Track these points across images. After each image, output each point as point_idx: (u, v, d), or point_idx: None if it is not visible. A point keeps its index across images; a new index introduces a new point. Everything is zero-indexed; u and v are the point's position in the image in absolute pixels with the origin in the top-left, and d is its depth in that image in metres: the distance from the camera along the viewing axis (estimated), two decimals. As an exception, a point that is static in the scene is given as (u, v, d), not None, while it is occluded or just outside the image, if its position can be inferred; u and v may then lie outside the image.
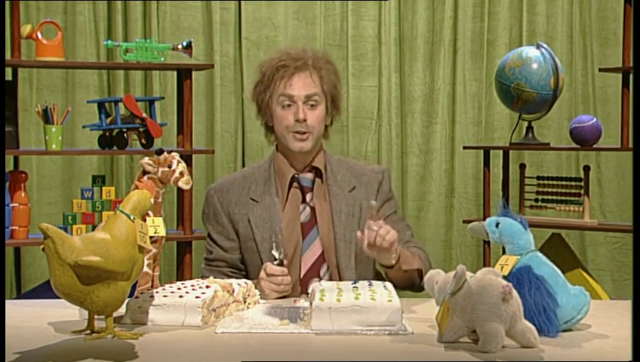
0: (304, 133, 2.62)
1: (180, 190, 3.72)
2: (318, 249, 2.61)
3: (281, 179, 2.67)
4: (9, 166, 4.07)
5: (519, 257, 2.04)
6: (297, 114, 2.61)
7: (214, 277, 2.63)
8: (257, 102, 2.69)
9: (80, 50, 4.55)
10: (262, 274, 2.47)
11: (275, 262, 2.46)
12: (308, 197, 2.65)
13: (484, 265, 4.25)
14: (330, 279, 2.59)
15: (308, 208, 2.64)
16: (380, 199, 2.67)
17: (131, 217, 1.92)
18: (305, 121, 2.61)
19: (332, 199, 2.64)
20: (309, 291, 2.17)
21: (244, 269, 2.68)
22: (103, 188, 3.87)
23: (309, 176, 2.67)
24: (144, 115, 3.89)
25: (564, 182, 4.14)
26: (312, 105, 2.63)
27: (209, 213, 2.71)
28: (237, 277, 2.62)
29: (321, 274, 2.60)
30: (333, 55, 3.96)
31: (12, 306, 2.27)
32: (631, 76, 3.98)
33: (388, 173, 2.76)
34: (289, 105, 2.63)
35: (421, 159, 4.92)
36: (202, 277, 2.67)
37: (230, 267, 2.68)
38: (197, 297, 2.07)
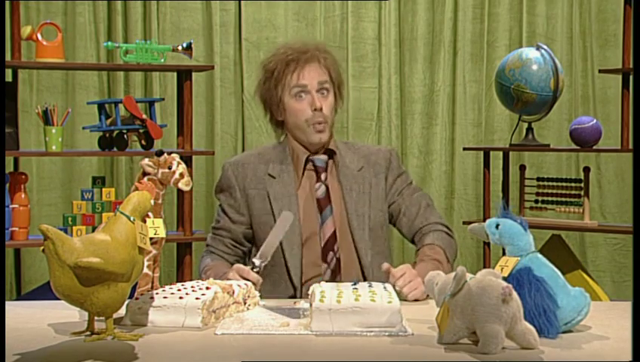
0: (323, 123, 2.69)
1: (180, 191, 3.72)
2: (331, 226, 2.67)
3: (296, 160, 2.74)
4: (9, 167, 4.07)
5: (519, 258, 2.03)
6: (314, 103, 2.68)
7: (215, 246, 2.72)
8: (266, 99, 2.75)
9: (80, 52, 4.55)
10: (233, 274, 2.44)
11: (255, 270, 2.46)
12: (323, 176, 2.72)
13: (484, 267, 4.24)
14: (341, 256, 2.65)
15: (323, 186, 2.71)
16: (391, 176, 2.77)
17: (131, 218, 1.92)
18: (321, 110, 2.68)
19: (342, 179, 2.72)
20: (309, 292, 2.17)
21: (250, 245, 2.75)
22: (103, 189, 3.87)
23: (323, 157, 2.74)
24: (144, 116, 3.89)
25: (564, 184, 4.14)
26: (323, 94, 2.70)
27: (222, 185, 2.78)
28: (236, 251, 2.74)
29: (335, 248, 2.66)
30: (334, 56, 3.97)
31: (12, 307, 2.27)
32: (631, 77, 3.98)
33: (395, 151, 2.85)
34: (302, 97, 2.69)
35: (421, 160, 4.92)
36: (207, 245, 2.76)
37: (232, 239, 2.74)
38: (197, 298, 2.07)
